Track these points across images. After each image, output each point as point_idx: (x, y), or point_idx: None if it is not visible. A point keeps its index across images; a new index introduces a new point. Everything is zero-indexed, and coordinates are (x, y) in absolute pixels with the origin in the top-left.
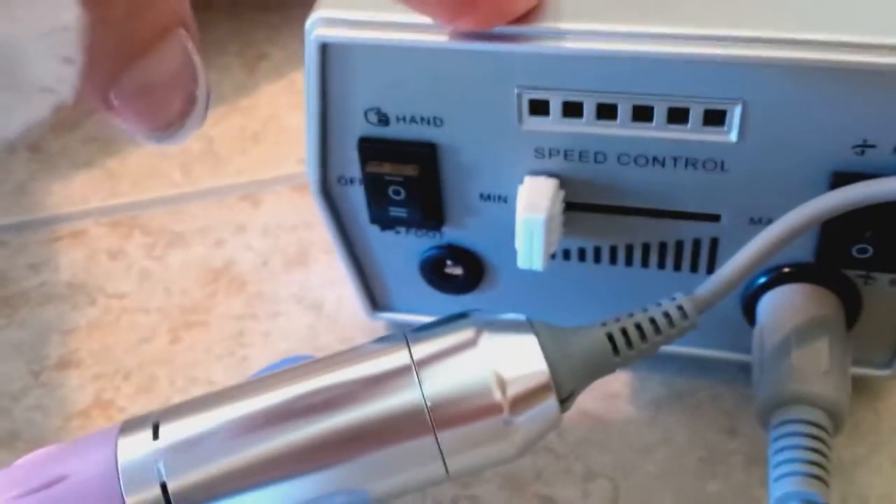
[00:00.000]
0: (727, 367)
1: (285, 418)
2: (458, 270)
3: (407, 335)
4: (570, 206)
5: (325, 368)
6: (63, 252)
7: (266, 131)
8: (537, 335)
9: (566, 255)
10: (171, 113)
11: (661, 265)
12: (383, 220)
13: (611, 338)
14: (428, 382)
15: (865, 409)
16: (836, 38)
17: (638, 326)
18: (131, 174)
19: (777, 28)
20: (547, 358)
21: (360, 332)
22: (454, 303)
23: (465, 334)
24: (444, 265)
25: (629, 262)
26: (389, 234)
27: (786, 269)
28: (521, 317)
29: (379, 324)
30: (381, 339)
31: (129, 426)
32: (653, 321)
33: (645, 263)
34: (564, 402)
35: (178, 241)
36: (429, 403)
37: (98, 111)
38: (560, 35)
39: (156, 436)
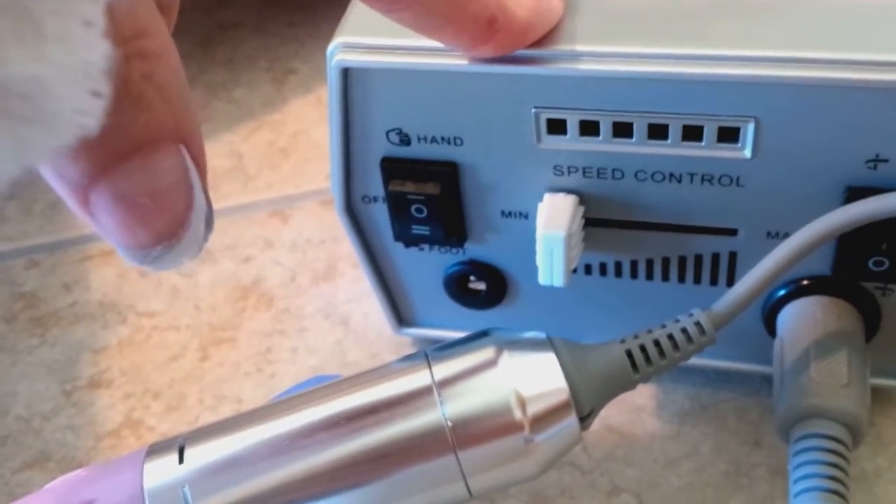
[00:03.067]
0: (751, 378)
1: (309, 441)
2: (481, 286)
3: (428, 354)
4: (591, 222)
5: (347, 390)
6: (94, 271)
7: (294, 146)
8: (557, 353)
9: (588, 269)
10: (154, 232)
11: (682, 279)
12: (407, 238)
13: (630, 355)
14: (449, 402)
15: (887, 419)
16: (845, 57)
17: (656, 343)
18: None
19: (787, 47)
20: (567, 376)
21: (386, 348)
22: (479, 318)
23: (485, 353)
24: (468, 281)
25: (650, 276)
26: (413, 251)
27: (805, 282)
28: (542, 335)
29: (405, 339)
30: (402, 359)
31: (155, 450)
32: (671, 337)
33: (665, 277)
34: (584, 419)
35: (207, 258)
36: (450, 423)
37: (77, 211)
38: (575, 57)
39: (181, 459)
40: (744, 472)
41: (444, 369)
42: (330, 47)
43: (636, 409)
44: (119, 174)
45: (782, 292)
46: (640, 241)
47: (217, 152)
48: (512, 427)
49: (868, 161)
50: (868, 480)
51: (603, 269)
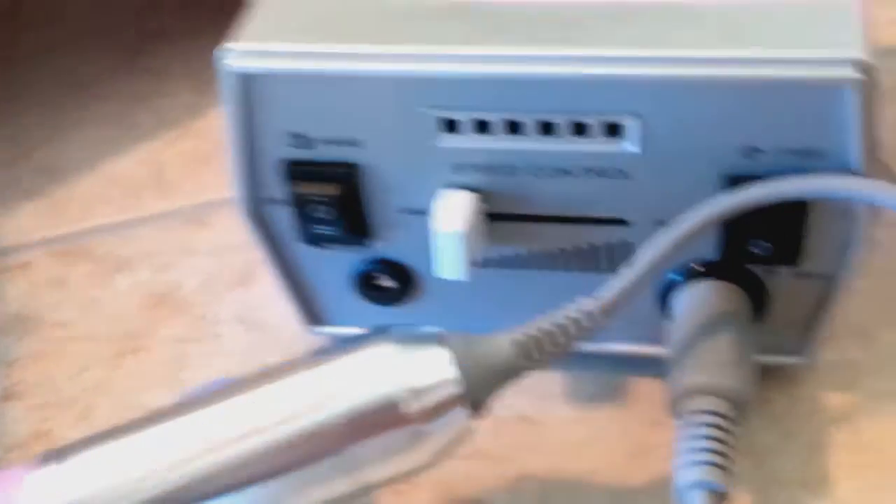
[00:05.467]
0: (656, 360)
1: (196, 445)
2: (389, 283)
3: (321, 351)
4: (493, 217)
5: (238, 391)
6: (9, 283)
7: (217, 153)
8: (448, 346)
9: (493, 263)
10: None
11: (580, 268)
12: (312, 238)
13: (519, 344)
14: (339, 397)
15: (782, 395)
16: (720, 55)
17: (545, 331)
18: (79, 202)
19: (664, 46)
20: (457, 368)
21: (303, 349)
22: (390, 314)
23: (376, 348)
24: (376, 278)
25: (550, 266)
26: (320, 251)
27: (694, 267)
28: (435, 329)
29: (320, 339)
30: (295, 358)
31: (43, 458)
32: (560, 325)
33: (565, 267)
34: (476, 409)
35: (124, 267)
36: (340, 419)
37: None
38: (467, 59)
39: (65, 469)
40: (645, 452)
41: (335, 366)
42: (222, 52)
43: (546, 396)
44: None
45: (675, 277)
46: (538, 233)
47: (139, 161)
48: (401, 419)
49: (745, 152)
50: (763, 456)
51: (508, 262)
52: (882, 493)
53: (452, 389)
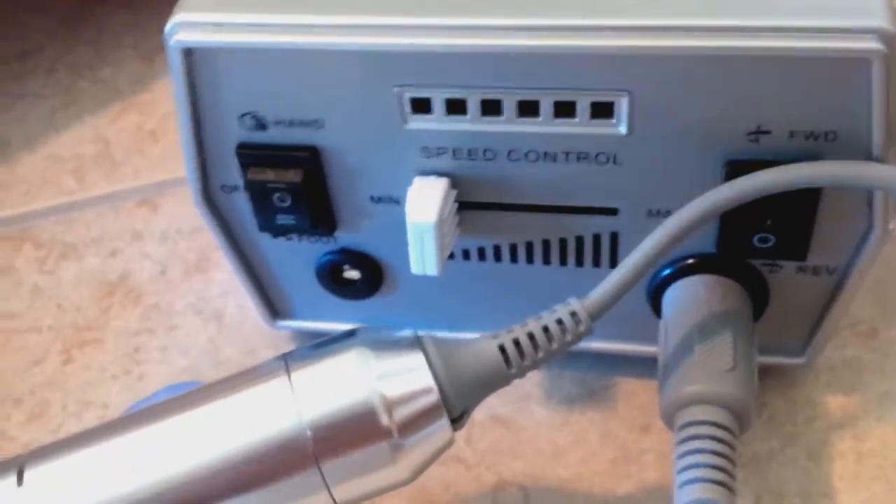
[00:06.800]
0: (641, 360)
1: (158, 458)
2: (355, 275)
3: (287, 359)
4: (466, 206)
5: (199, 401)
6: None
7: (164, 129)
8: (425, 353)
9: (466, 255)
10: None
11: (563, 262)
12: (273, 228)
13: (503, 350)
14: (309, 410)
15: (780, 398)
16: (719, 23)
17: (531, 336)
18: (21, 183)
19: (659, 15)
20: (435, 376)
21: (262, 343)
22: (357, 308)
23: (348, 355)
24: (342, 270)
25: (530, 259)
26: (282, 242)
27: (690, 261)
28: (410, 333)
29: (283, 333)
30: (260, 365)
31: None
32: (546, 329)
33: (546, 260)
34: (457, 420)
35: (70, 253)
36: (310, 433)
37: None
38: (437, 30)
39: (20, 481)
40: (632, 459)
41: (303, 375)
42: (168, 26)
43: (523, 397)
44: None
45: (667, 272)
46: (519, 223)
47: (83, 138)
48: (378, 433)
49: (749, 133)
50: (761, 463)
51: (482, 254)
52: None
53: (434, 399)
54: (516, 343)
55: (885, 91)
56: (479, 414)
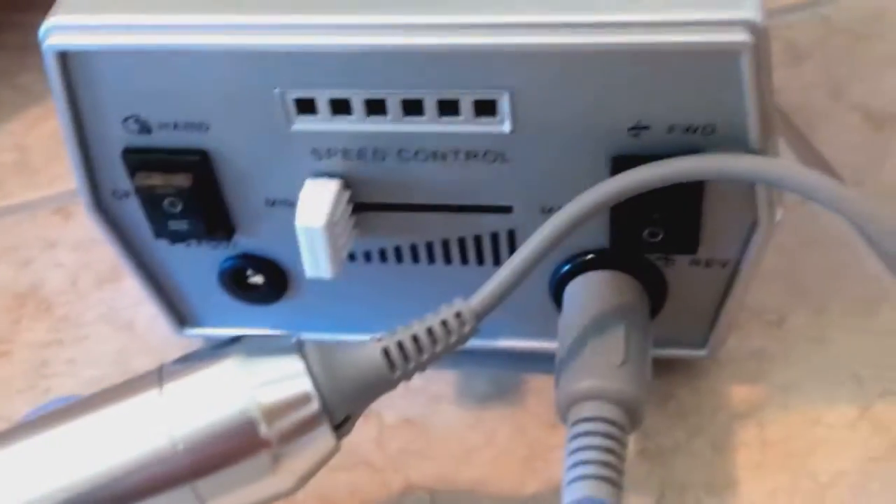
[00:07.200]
0: (551, 357)
1: (24, 476)
2: (259, 280)
3: (163, 370)
4: (362, 207)
5: (72, 415)
6: None
7: None
8: (305, 358)
9: (368, 256)
10: None
11: (464, 260)
12: (167, 234)
13: (387, 353)
14: (179, 423)
15: (684, 389)
16: (597, 19)
17: (415, 339)
18: None
19: (535, 12)
20: (315, 382)
21: (174, 352)
22: (264, 313)
23: (223, 364)
24: (245, 276)
25: (431, 260)
26: (181, 248)
27: (587, 257)
28: (290, 339)
29: (194, 342)
30: (136, 377)
31: None
32: (430, 331)
33: (447, 260)
34: (340, 426)
35: None
36: (181, 447)
37: None
38: (316, 29)
39: None
40: (540, 455)
41: (176, 386)
42: (42, 29)
43: (435, 398)
44: None
45: (566, 268)
46: (416, 224)
47: (1, 145)
48: (256, 443)
49: (630, 129)
50: (665, 455)
51: (383, 256)
52: (790, 495)
53: (312, 406)
54: (400, 346)
55: (757, 83)
56: (390, 416)
